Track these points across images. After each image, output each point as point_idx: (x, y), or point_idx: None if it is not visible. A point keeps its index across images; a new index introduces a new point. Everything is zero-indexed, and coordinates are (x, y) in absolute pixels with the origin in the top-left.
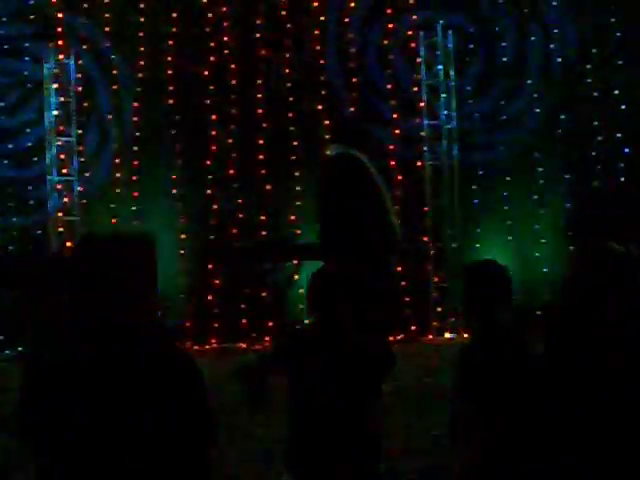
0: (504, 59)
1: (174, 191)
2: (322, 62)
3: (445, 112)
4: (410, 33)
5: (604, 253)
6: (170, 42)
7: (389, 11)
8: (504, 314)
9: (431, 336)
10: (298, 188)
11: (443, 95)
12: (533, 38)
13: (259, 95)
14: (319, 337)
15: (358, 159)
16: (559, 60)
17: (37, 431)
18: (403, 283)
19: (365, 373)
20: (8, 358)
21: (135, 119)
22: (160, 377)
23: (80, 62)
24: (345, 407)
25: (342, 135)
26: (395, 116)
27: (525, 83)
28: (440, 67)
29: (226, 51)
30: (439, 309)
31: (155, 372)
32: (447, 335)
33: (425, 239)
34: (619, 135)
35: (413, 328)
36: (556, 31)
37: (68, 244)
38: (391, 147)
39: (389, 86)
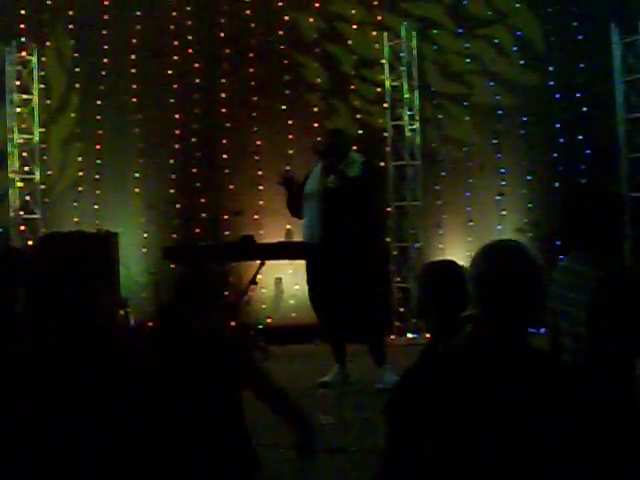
0: (467, 60)
1: (137, 190)
2: (286, 62)
3: (408, 112)
4: (374, 34)
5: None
6: (133, 40)
7: (353, 12)
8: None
9: (393, 336)
10: (261, 187)
11: (406, 96)
12: (496, 41)
13: (223, 94)
14: None
15: None
16: (522, 62)
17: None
18: None
19: None
20: None
21: (98, 117)
22: (113, 375)
23: (43, 59)
24: None
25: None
26: (358, 116)
27: (488, 85)
28: (403, 68)
29: (189, 50)
30: (401, 309)
31: (110, 370)
32: (409, 335)
33: (388, 239)
34: (580, 137)
35: None
36: (519, 33)
37: (29, 242)
38: (354, 147)
39: (352, 87)
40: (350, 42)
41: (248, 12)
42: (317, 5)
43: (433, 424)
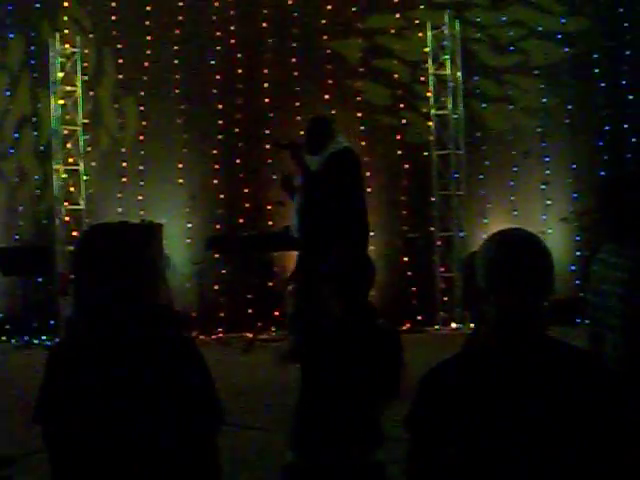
0: (511, 48)
1: (181, 180)
2: (329, 51)
3: (452, 101)
4: (417, 22)
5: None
6: (176, 31)
7: (396, 0)
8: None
9: (437, 326)
10: None
11: (450, 84)
12: (540, 28)
13: (266, 84)
14: None
15: None
16: (566, 50)
17: (54, 415)
18: (409, 273)
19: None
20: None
21: (141, 108)
22: (162, 360)
23: (86, 51)
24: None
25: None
26: (402, 106)
27: (532, 72)
28: (447, 56)
29: (232, 40)
30: (445, 299)
31: (158, 355)
32: (453, 325)
33: (431, 229)
34: (626, 125)
35: (419, 318)
36: (563, 21)
37: (74, 233)
38: (398, 137)
39: (396, 76)
40: (393, 30)
41: (290, 1)
42: None
43: (454, 427)
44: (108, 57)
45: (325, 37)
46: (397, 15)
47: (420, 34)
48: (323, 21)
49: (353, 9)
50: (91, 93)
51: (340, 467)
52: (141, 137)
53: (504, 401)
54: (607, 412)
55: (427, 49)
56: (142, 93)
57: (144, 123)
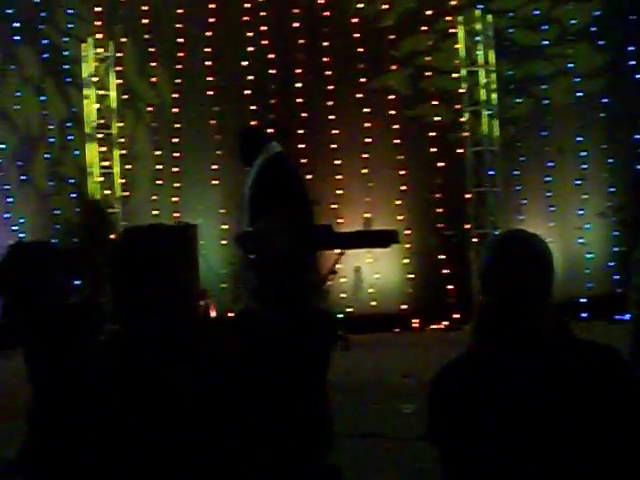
0: (544, 42)
1: (215, 182)
2: (361, 50)
3: (486, 98)
4: (449, 19)
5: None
6: (209, 33)
7: None
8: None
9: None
10: (339, 177)
11: (483, 80)
12: (573, 21)
13: (298, 84)
14: None
15: None
16: (600, 43)
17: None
18: (445, 271)
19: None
20: None
21: (175, 110)
22: (195, 367)
23: (119, 55)
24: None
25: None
26: (435, 103)
27: (567, 67)
28: (480, 52)
29: (265, 41)
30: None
31: (193, 362)
32: None
33: (467, 226)
34: None
35: (456, 316)
36: (597, 13)
37: (111, 236)
38: (432, 134)
39: (429, 73)
40: (425, 27)
41: (321, 1)
42: None
43: (468, 431)
44: (141, 60)
45: (357, 36)
46: (429, 12)
47: (453, 30)
48: (354, 20)
49: (384, 7)
50: (125, 97)
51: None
52: (175, 139)
53: (503, 401)
54: (626, 405)
55: (460, 45)
56: (176, 95)
57: (178, 126)
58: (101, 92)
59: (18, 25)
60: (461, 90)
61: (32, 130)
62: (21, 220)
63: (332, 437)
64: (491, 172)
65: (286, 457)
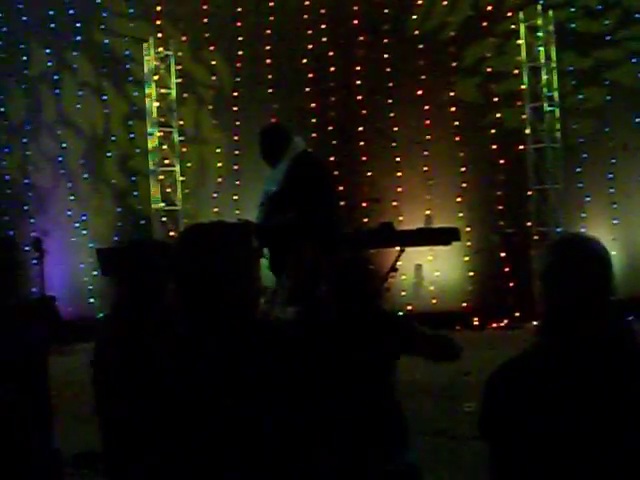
0: (607, 38)
1: None
2: (421, 46)
3: (547, 93)
4: (510, 15)
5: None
6: (268, 31)
7: None
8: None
9: (535, 322)
10: (399, 174)
11: (544, 76)
12: (637, 15)
13: (358, 82)
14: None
15: None
16: None
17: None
18: (506, 269)
19: None
20: None
21: (235, 108)
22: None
23: (180, 54)
24: None
25: None
26: (496, 99)
27: (629, 61)
28: (541, 48)
29: (324, 38)
30: None
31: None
32: None
33: (528, 224)
34: None
35: (517, 314)
36: None
37: (171, 233)
38: (493, 131)
39: (489, 69)
40: (486, 24)
41: None
42: None
43: (522, 427)
44: (201, 59)
45: (417, 32)
46: (489, 7)
47: (513, 25)
48: (414, 17)
49: (444, 2)
50: (185, 95)
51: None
52: (235, 137)
53: (563, 400)
54: None
55: (520, 41)
56: (235, 93)
57: (238, 123)
58: (162, 90)
59: (79, 25)
60: (522, 87)
61: (96, 131)
62: (84, 218)
63: (407, 435)
64: (553, 169)
65: (363, 455)
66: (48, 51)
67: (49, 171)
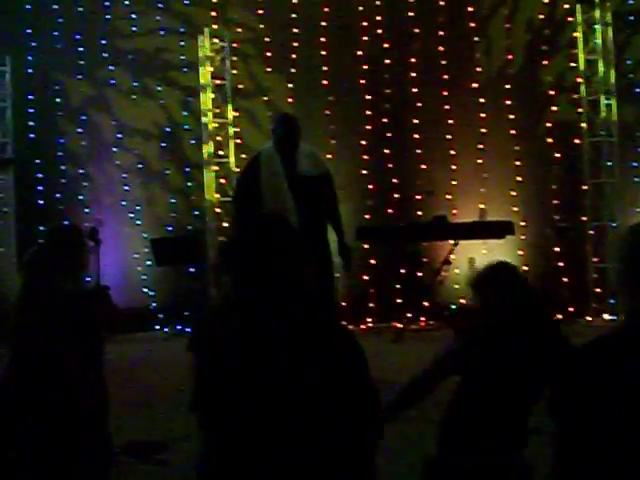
0: None
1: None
2: (476, 39)
3: (604, 87)
4: (567, 7)
5: None
6: (323, 23)
7: None
8: None
9: (589, 317)
10: (454, 167)
11: (601, 69)
12: None
13: (413, 74)
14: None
15: None
16: None
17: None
18: (561, 263)
19: None
20: (167, 336)
21: (290, 100)
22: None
23: (234, 45)
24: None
25: None
26: (552, 93)
27: None
28: (598, 40)
29: (379, 30)
30: (598, 290)
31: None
32: (606, 317)
33: (584, 218)
34: None
35: (571, 309)
36: None
37: (224, 224)
38: (548, 125)
39: (545, 62)
40: (542, 16)
41: None
42: None
43: (593, 413)
44: (256, 50)
45: (472, 25)
46: (546, 0)
47: (570, 18)
48: (470, 9)
49: None
50: (240, 86)
51: (484, 467)
52: None
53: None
54: None
55: (577, 33)
56: (290, 85)
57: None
58: (217, 82)
59: (134, 17)
60: (579, 80)
61: (150, 122)
62: (137, 208)
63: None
64: (609, 163)
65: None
66: (103, 42)
67: (104, 162)
